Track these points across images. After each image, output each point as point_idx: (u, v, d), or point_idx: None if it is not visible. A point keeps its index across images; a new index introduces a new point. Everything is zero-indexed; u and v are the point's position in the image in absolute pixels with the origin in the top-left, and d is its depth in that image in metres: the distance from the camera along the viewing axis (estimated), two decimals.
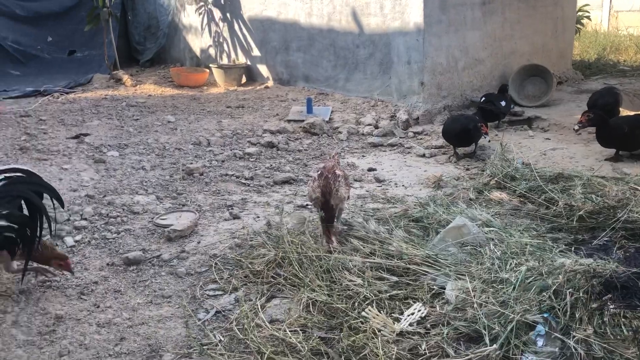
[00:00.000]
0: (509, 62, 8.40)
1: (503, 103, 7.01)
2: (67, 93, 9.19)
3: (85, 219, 4.42)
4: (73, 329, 3.04)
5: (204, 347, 2.84)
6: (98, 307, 3.27)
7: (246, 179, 5.43)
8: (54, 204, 3.16)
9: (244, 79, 9.79)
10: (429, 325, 2.84)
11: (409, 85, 7.53)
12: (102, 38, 10.40)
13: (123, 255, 3.84)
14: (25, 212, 3.16)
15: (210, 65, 10.05)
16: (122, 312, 3.21)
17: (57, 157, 5.89)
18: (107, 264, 3.77)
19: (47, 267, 3.44)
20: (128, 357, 2.80)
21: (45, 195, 3.26)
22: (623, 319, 2.62)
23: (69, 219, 4.40)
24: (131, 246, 4.03)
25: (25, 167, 3.07)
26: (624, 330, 2.56)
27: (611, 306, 2.66)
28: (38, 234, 3.10)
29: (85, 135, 6.65)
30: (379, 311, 2.93)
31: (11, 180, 2.92)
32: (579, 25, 11.88)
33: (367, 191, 5.08)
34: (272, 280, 3.43)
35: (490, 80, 8.18)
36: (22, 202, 3.11)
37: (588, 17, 12.98)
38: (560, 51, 9.48)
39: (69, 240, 4.07)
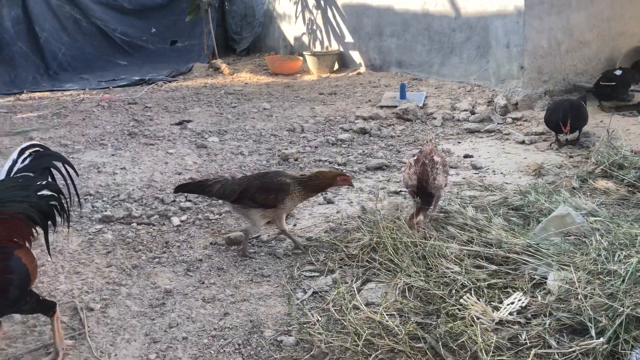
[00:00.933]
0: (617, 44, 7.86)
1: None
2: (169, 81, 9.69)
3: (190, 201, 4.66)
4: (181, 303, 3.24)
5: (303, 325, 2.93)
6: (203, 283, 3.45)
7: (339, 164, 5.49)
8: (69, 173, 3.04)
9: (336, 66, 9.85)
10: (529, 315, 2.77)
11: (507, 70, 7.26)
12: (201, 28, 10.84)
13: (225, 235, 4.02)
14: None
15: (304, 52, 10.20)
16: (226, 288, 3.38)
17: (163, 142, 6.24)
18: (211, 243, 3.97)
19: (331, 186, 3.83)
20: (231, 332, 2.94)
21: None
22: None
23: (174, 200, 4.66)
24: (232, 227, 4.21)
25: (37, 142, 3.10)
26: None
27: None
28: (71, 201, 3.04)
29: (188, 121, 6.98)
30: (478, 299, 2.89)
31: (36, 154, 2.93)
32: None
33: (463, 178, 4.98)
34: (367, 264, 3.47)
35: (595, 64, 7.70)
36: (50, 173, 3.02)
37: None
38: None
39: (175, 220, 4.31)
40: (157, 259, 3.76)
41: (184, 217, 4.38)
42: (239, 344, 2.84)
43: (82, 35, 11.05)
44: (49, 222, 2.84)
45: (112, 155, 5.81)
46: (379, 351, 2.67)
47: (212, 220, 4.34)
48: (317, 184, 3.74)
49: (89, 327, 3.00)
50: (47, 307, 2.72)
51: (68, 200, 2.97)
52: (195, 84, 9.53)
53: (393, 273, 3.30)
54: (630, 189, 4.25)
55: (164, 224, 4.28)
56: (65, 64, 10.56)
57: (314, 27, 10.48)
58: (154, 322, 3.07)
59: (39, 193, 2.78)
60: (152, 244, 3.98)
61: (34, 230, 2.79)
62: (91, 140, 6.35)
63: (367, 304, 3.05)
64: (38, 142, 3.09)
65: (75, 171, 3.19)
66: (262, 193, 3.66)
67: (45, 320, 2.97)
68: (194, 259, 3.75)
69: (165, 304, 3.24)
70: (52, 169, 2.96)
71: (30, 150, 2.92)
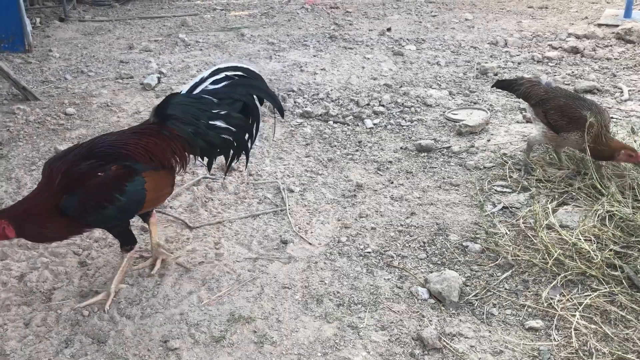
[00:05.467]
0: None
1: None
2: None
3: (383, 106, 4.75)
4: (370, 197, 3.41)
5: (491, 235, 2.93)
6: (392, 182, 3.58)
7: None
8: (274, 113, 2.81)
9: None
10: None
11: None
12: None
13: (416, 142, 4.07)
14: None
15: None
16: (413, 191, 3.47)
17: (361, 47, 6.34)
18: (401, 148, 4.05)
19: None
20: (417, 230, 3.05)
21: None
22: None
23: (368, 104, 4.79)
24: (423, 135, 4.24)
25: (247, 66, 2.70)
26: None
27: None
28: (253, 140, 2.76)
29: (388, 29, 6.97)
30: None
31: (233, 81, 2.61)
32: None
33: None
34: (566, 188, 3.30)
35: None
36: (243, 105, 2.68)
37: None
38: None
39: (368, 122, 4.45)
40: (350, 156, 3.96)
41: (376, 121, 4.50)
42: (424, 242, 2.94)
43: None
44: (216, 156, 2.66)
45: (314, 56, 6.07)
46: (569, 272, 2.59)
47: (404, 127, 4.40)
48: (599, 150, 3.18)
49: (289, 206, 3.32)
50: (128, 241, 2.56)
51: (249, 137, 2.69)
52: None
53: (594, 199, 3.10)
54: None
55: (357, 125, 4.45)
56: None
57: None
58: (345, 210, 3.28)
59: (211, 122, 2.54)
60: (346, 141, 4.18)
61: (191, 157, 2.62)
62: (295, 40, 6.67)
63: (561, 226, 2.92)
64: (243, 66, 2.71)
65: (282, 113, 2.85)
66: (556, 112, 3.35)
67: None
68: (384, 160, 3.87)
69: (357, 196, 3.43)
70: (247, 103, 2.61)
71: (228, 74, 2.61)
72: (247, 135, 2.69)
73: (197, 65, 5.80)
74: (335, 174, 3.72)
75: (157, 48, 6.49)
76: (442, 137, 4.21)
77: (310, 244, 2.95)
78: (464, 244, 2.90)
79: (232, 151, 2.69)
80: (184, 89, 2.62)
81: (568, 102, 3.37)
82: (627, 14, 6.53)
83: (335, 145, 4.12)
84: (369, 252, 2.87)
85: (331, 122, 4.50)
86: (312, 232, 3.06)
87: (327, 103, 4.81)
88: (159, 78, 5.40)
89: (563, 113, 3.32)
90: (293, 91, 5.09)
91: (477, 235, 2.96)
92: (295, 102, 4.87)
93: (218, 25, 7.53)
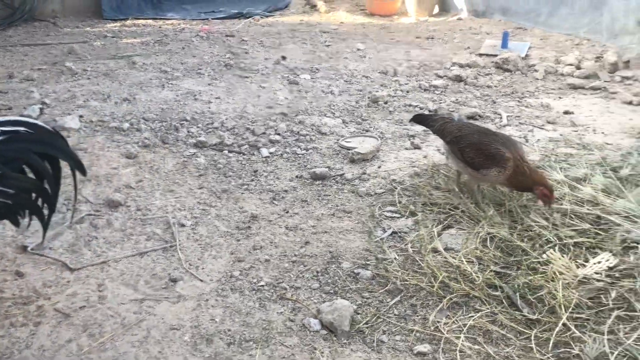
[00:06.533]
0: None
1: None
2: (266, 16, 9.75)
3: (279, 134, 4.77)
4: (265, 228, 3.38)
5: (381, 261, 2.99)
6: (287, 212, 3.58)
7: (430, 111, 5.38)
8: (74, 174, 2.42)
9: (436, 9, 9.50)
10: (617, 275, 2.67)
11: (623, 24, 6.71)
12: None
13: (311, 170, 4.11)
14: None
15: None
16: (308, 220, 3.48)
17: (257, 75, 6.35)
18: (296, 176, 4.07)
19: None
20: (311, 260, 3.05)
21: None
22: None
23: (264, 133, 4.79)
24: (318, 163, 4.29)
25: (32, 121, 2.35)
26: None
27: None
28: (53, 204, 2.41)
29: (283, 58, 7.04)
30: (562, 255, 2.82)
31: (10, 137, 2.23)
32: None
33: (560, 135, 4.75)
34: (450, 211, 3.45)
35: None
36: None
37: None
38: None
39: (264, 151, 4.44)
40: (245, 186, 3.91)
41: (272, 149, 4.50)
42: (317, 272, 2.95)
43: None
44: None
45: (209, 84, 6.00)
46: (454, 294, 2.69)
47: (299, 155, 4.43)
48: (520, 181, 3.22)
49: (179, 241, 3.21)
50: None
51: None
52: (291, 20, 9.54)
53: (475, 221, 3.26)
54: None
55: (253, 154, 4.42)
56: None
57: None
58: (239, 242, 3.23)
59: None
60: (242, 171, 4.14)
61: None
62: (189, 68, 6.57)
63: (446, 249, 3.05)
64: (31, 121, 2.35)
65: (83, 172, 2.42)
66: (472, 150, 3.37)
67: None
68: (279, 189, 3.87)
69: (251, 227, 3.39)
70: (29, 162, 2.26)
71: (5, 129, 2.22)
72: (42, 198, 2.35)
73: (85, 95, 5.55)
74: (230, 205, 3.66)
75: (40, 77, 6.14)
76: (336, 164, 4.28)
77: (201, 280, 2.87)
78: (355, 271, 2.94)
79: (21, 216, 2.36)
80: None
81: (481, 139, 3.41)
82: (504, 44, 7.05)
83: (230, 176, 4.06)
84: (262, 286, 2.83)
85: (226, 152, 4.44)
86: (203, 268, 2.98)
87: (222, 132, 4.75)
88: (41, 109, 5.09)
89: (478, 150, 3.35)
90: (186, 120, 4.98)
91: (368, 262, 3.01)
92: (188, 131, 4.77)
93: (108, 53, 7.26)
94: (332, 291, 2.79)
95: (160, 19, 9.61)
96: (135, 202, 3.64)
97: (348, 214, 3.56)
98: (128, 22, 9.33)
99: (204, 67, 6.64)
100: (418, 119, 4.00)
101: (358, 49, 7.59)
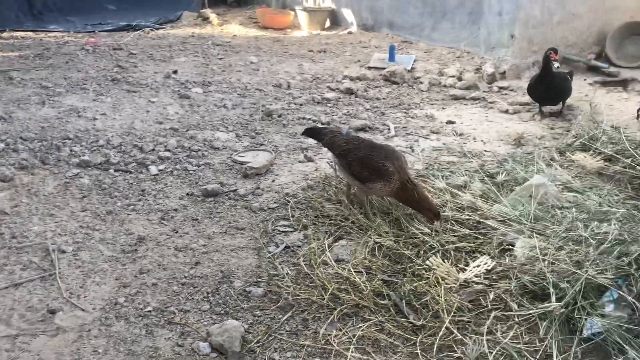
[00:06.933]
0: (609, 18, 7.80)
1: None
2: (156, 29, 9.50)
3: (169, 151, 4.64)
4: (153, 250, 3.26)
5: (272, 277, 2.98)
6: (177, 232, 3.47)
7: (323, 123, 5.47)
8: None
9: (328, 23, 9.71)
10: (495, 277, 2.83)
11: (498, 38, 7.21)
12: None
13: (202, 186, 4.02)
14: None
15: (296, 7, 10.02)
16: (199, 239, 3.40)
17: (146, 90, 6.15)
18: (187, 194, 3.97)
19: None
20: (201, 281, 2.98)
21: None
22: None
23: (153, 149, 4.64)
24: (210, 179, 4.21)
25: None
26: None
27: None
28: None
29: (174, 72, 6.88)
30: (444, 261, 2.95)
31: None
32: None
33: (443, 144, 5.00)
34: (341, 222, 3.51)
35: (586, 37, 7.67)
36: None
37: None
38: None
39: (153, 169, 4.30)
40: (132, 206, 3.76)
41: (162, 167, 4.37)
42: (208, 293, 2.88)
43: None
44: None
45: (94, 100, 5.73)
46: (344, 305, 2.73)
47: (191, 172, 4.33)
48: (407, 197, 3.32)
49: (60, 268, 3.02)
50: None
51: None
52: (183, 32, 9.36)
53: (365, 231, 3.34)
54: (606, 163, 4.28)
55: (141, 172, 4.27)
56: (51, 4, 10.31)
57: None
58: (125, 267, 3.09)
59: None
60: (129, 191, 3.98)
61: None
62: (73, 83, 6.25)
63: (337, 260, 3.09)
64: None
65: None
66: (358, 164, 3.43)
67: None
68: (169, 208, 3.76)
69: (138, 250, 3.26)
70: None
71: None
72: None
73: None
74: (115, 227, 3.50)
75: None
76: (229, 180, 4.23)
77: (83, 310, 2.71)
78: (247, 289, 2.91)
79: None
80: None
81: (367, 152, 3.47)
82: (391, 58, 7.33)
83: (116, 196, 3.89)
84: (150, 311, 2.72)
85: (112, 171, 4.25)
86: (85, 297, 2.82)
87: (107, 150, 4.54)
88: None
89: (364, 164, 3.41)
90: (69, 139, 4.72)
91: (261, 279, 2.99)
92: (71, 150, 4.52)
93: None
94: (223, 312, 2.74)
95: (42, 31, 9.10)
96: (10, 229, 3.38)
97: (241, 230, 3.52)
98: (5, 34, 8.74)
99: (89, 82, 6.33)
100: (309, 133, 4.05)
101: (251, 62, 7.58)
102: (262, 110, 5.71)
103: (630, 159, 4.11)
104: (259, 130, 5.25)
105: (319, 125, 5.32)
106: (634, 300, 2.46)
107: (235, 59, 7.74)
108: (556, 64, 5.40)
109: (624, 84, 6.96)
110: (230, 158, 4.60)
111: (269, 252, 3.24)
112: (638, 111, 5.32)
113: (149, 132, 4.99)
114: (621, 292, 2.52)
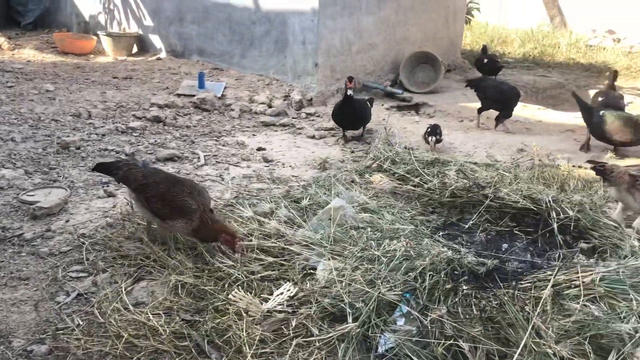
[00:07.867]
0: (401, 48, 8.61)
1: None
2: None
3: None
4: None
5: (59, 331, 2.68)
6: None
7: (127, 154, 5.18)
8: None
9: (135, 49, 9.33)
10: (296, 304, 2.86)
11: (303, 66, 7.52)
12: None
13: None
14: None
15: (99, 32, 9.47)
16: None
17: None
18: None
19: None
20: None
21: None
22: (474, 299, 2.77)
23: None
24: None
25: None
26: (474, 310, 2.71)
27: (464, 287, 2.81)
28: None
29: None
30: (249, 292, 2.91)
31: None
32: (469, 17, 12.43)
33: (254, 171, 5.03)
34: (141, 262, 3.30)
35: (382, 65, 8.35)
36: None
37: (478, 9, 13.63)
38: (450, 40, 9.87)
39: None
40: None
41: None
42: None
43: None
44: None
45: None
46: (142, 353, 2.55)
47: None
48: (205, 233, 3.25)
49: None
50: None
51: None
52: None
53: (167, 270, 3.19)
54: (399, 182, 4.64)
55: None
56: None
57: (112, 7, 9.77)
58: None
59: None
60: None
61: None
62: None
63: (137, 304, 2.90)
64: None
65: None
66: (158, 201, 3.25)
67: None
68: None
69: None
70: None
71: None
72: None
73: None
74: None
75: None
76: (14, 223, 3.78)
77: None
78: (28, 348, 2.58)
79: None
80: None
81: (168, 188, 3.31)
82: (201, 85, 7.24)
83: None
84: None
85: None
86: None
87: None
88: None
89: (165, 202, 3.25)
90: None
91: (46, 334, 2.68)
92: None
93: None
94: None
95: None
96: None
97: (25, 281, 3.14)
98: None
99: None
100: (99, 168, 3.73)
101: (47, 90, 6.96)
102: (58, 143, 5.24)
103: (419, 177, 4.50)
104: (53, 165, 4.80)
105: (122, 157, 5.02)
106: (417, 314, 2.64)
107: (27, 86, 7.05)
108: (350, 91, 5.75)
109: (416, 108, 7.69)
110: (17, 198, 4.12)
111: (57, 303, 2.92)
112: (424, 134, 5.86)
113: None
114: (408, 308, 2.69)
